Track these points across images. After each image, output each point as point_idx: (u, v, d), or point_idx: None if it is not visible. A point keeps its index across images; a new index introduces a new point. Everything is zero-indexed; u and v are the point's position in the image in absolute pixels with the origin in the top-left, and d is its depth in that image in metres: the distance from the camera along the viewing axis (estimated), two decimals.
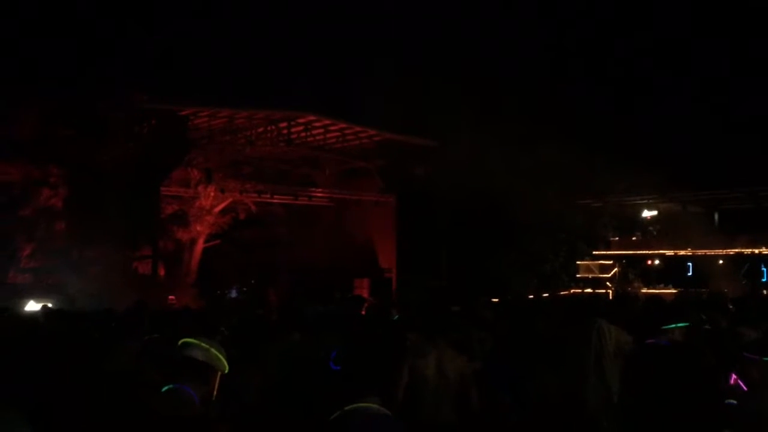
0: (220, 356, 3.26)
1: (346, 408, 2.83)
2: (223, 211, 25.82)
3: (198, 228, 25.25)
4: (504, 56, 28.94)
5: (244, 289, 26.39)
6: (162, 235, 23.35)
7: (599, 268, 27.79)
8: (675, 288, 24.60)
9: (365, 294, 24.60)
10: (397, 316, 6.86)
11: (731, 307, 7.75)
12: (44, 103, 20.63)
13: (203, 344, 3.22)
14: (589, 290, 25.20)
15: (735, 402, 3.74)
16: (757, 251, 25.16)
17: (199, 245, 25.65)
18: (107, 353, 4.65)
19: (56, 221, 21.36)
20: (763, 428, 3.47)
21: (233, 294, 25.31)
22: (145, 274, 22.18)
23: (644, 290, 24.07)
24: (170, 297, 20.99)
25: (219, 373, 3.26)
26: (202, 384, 3.18)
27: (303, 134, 24.16)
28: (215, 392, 3.24)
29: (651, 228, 28.90)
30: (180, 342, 3.24)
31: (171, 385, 3.14)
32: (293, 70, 29.85)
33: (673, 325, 4.29)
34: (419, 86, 25.25)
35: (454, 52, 28.93)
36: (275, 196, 25.91)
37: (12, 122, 20.61)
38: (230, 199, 25.39)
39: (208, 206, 24.98)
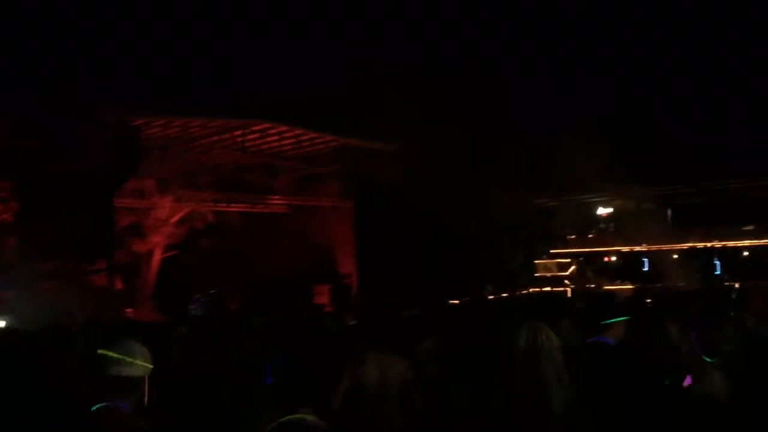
0: (142, 361, 3.19)
1: (280, 420, 2.82)
2: (180, 222, 25.55)
3: (155, 239, 24.97)
4: (459, 53, 29.07)
5: (202, 299, 26.13)
6: (118, 247, 23.05)
7: (557, 266, 28.11)
8: (632, 283, 25.00)
9: (325, 300, 24.68)
10: (352, 323, 6.87)
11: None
12: (11, 119, 20.28)
13: (123, 357, 3.13)
14: (547, 289, 25.49)
15: None
16: (709, 245, 25.66)
17: (157, 256, 25.37)
18: (41, 371, 4.58)
19: (8, 236, 20.97)
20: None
21: (193, 305, 25.03)
22: (102, 287, 21.86)
23: (607, 287, 24.41)
24: (128, 309, 20.72)
25: (147, 376, 3.22)
26: (132, 395, 3.13)
27: (258, 141, 24.07)
28: (146, 396, 3.19)
29: (606, 225, 29.31)
30: (99, 356, 3.15)
31: (102, 404, 3.08)
32: (243, 74, 29.58)
33: (613, 320, 4.36)
34: (374, 88, 25.25)
35: (409, 51, 28.98)
36: (232, 205, 25.75)
37: None
38: (187, 209, 25.16)
39: (164, 217, 24.72)
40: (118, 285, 22.84)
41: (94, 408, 3.04)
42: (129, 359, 3.12)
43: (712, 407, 3.80)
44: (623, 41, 31.79)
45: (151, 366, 3.22)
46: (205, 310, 23.82)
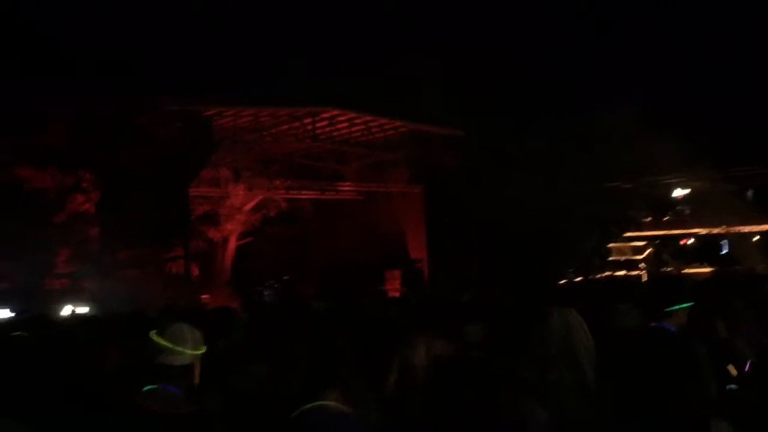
0: (192, 349, 3.24)
1: (306, 407, 2.86)
2: (253, 209, 26.02)
3: (229, 227, 25.49)
4: (528, 41, 28.73)
5: (276, 285, 26.58)
6: (193, 234, 23.62)
7: (632, 249, 27.54)
8: (710, 267, 24.31)
9: (397, 285, 24.81)
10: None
11: None
12: (75, 111, 21.00)
13: (173, 346, 3.19)
14: (622, 273, 25.02)
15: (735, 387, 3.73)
16: None
17: (232, 243, 25.90)
18: (95, 357, 4.74)
19: (90, 226, 21.75)
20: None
21: (266, 291, 25.51)
22: (179, 275, 22.46)
23: (691, 270, 23.82)
24: (204, 296, 21.24)
25: (199, 362, 3.27)
26: (182, 380, 3.20)
27: (328, 129, 24.25)
28: (197, 381, 3.26)
29: (683, 207, 28.54)
30: (149, 342, 3.22)
31: (152, 386, 3.15)
32: (314, 63, 29.86)
33: (677, 307, 4.25)
34: (445, 75, 25.16)
35: (481, 39, 28.79)
36: (304, 192, 26.08)
37: (43, 131, 21.01)
38: (260, 197, 25.60)
39: (238, 205, 25.20)
40: (195, 272, 23.40)
41: (145, 389, 3.13)
42: (179, 348, 3.18)
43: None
44: (700, 19, 30.84)
45: (201, 352, 3.26)
46: (276, 295, 24.29)
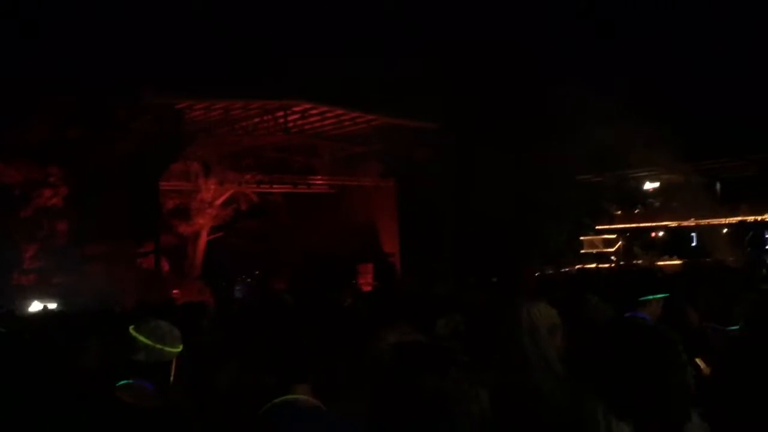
0: (171, 347, 3.20)
1: (274, 401, 2.82)
2: (224, 203, 25.85)
3: (200, 221, 25.31)
4: (501, 31, 28.78)
5: (248, 280, 26.45)
6: (164, 229, 23.41)
7: (603, 242, 27.78)
8: (680, 259, 24.57)
9: (369, 279, 24.78)
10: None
11: None
12: (60, 107, 20.68)
13: (153, 344, 3.15)
14: (593, 265, 25.20)
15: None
16: (760, 218, 25.08)
17: (203, 238, 25.71)
18: (64, 353, 4.66)
19: (58, 221, 21.46)
20: (735, 400, 3.46)
21: (237, 286, 25.37)
22: (149, 270, 22.25)
23: (661, 262, 24.04)
24: (174, 291, 21.05)
25: (174, 358, 3.23)
26: (158, 376, 3.16)
27: (300, 122, 24.13)
28: (172, 377, 3.22)
29: (653, 200, 28.83)
30: (129, 338, 3.17)
31: (126, 381, 3.13)
32: (285, 55, 29.71)
33: (651, 297, 4.25)
34: (416, 68, 25.12)
35: (451, 32, 28.81)
36: (275, 186, 25.94)
37: (17, 126, 20.66)
38: (231, 191, 25.44)
39: (209, 199, 25.02)
40: (165, 267, 23.20)
41: (119, 384, 3.09)
42: (159, 346, 3.15)
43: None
44: (670, 11, 31.10)
45: (179, 349, 3.23)
46: (248, 290, 24.16)
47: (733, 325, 4.35)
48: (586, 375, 3.19)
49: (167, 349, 3.18)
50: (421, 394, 2.85)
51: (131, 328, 3.20)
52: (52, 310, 11.20)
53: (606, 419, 3.04)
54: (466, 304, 5.62)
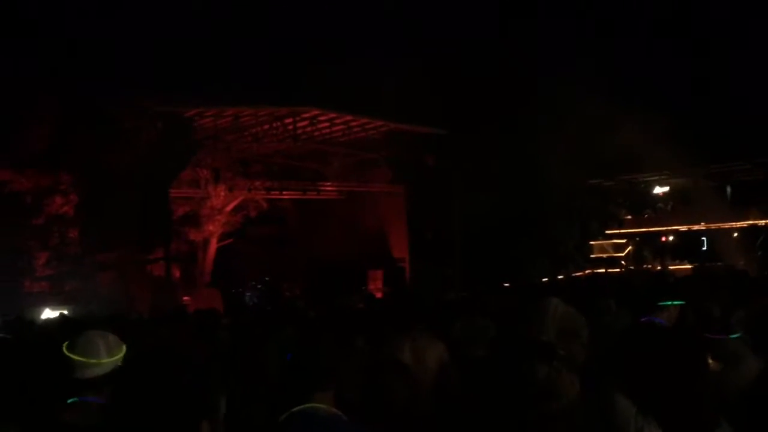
0: (109, 358, 3.10)
1: (294, 410, 2.80)
2: (234, 210, 25.92)
3: (210, 228, 25.37)
4: (506, 40, 28.77)
5: (259, 286, 26.50)
6: (174, 236, 23.48)
7: (613, 247, 27.71)
8: (690, 263, 24.50)
9: (379, 284, 24.80)
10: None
11: None
12: (57, 113, 20.76)
13: (87, 359, 3.05)
14: (602, 270, 25.15)
15: None
16: None
17: (213, 245, 25.78)
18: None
19: (69, 228, 21.53)
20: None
21: (248, 293, 25.44)
22: (160, 277, 22.31)
23: (671, 267, 23.98)
24: (185, 298, 21.11)
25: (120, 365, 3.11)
26: (103, 389, 3.01)
27: (309, 129, 24.17)
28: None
29: (663, 204, 28.75)
30: (63, 357, 3.05)
31: (75, 398, 3.03)
32: (294, 62, 29.80)
33: (670, 303, 4.26)
34: (426, 74, 25.15)
35: (458, 39, 28.81)
36: (285, 192, 25.99)
37: (24, 133, 20.74)
38: (241, 198, 25.50)
39: (219, 206, 25.09)
40: (176, 273, 23.26)
41: (69, 401, 3.00)
42: (93, 361, 3.04)
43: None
44: (680, 17, 31.04)
45: (119, 356, 3.12)
46: (259, 296, 24.20)
47: (734, 333, 4.35)
48: (613, 379, 3.20)
49: (104, 361, 3.08)
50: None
51: (64, 347, 3.10)
52: (66, 317, 11.22)
53: (636, 422, 3.05)
54: (488, 308, 5.63)
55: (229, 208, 25.52)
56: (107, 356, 3.11)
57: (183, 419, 2.38)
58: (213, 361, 4.41)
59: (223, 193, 24.79)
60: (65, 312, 16.78)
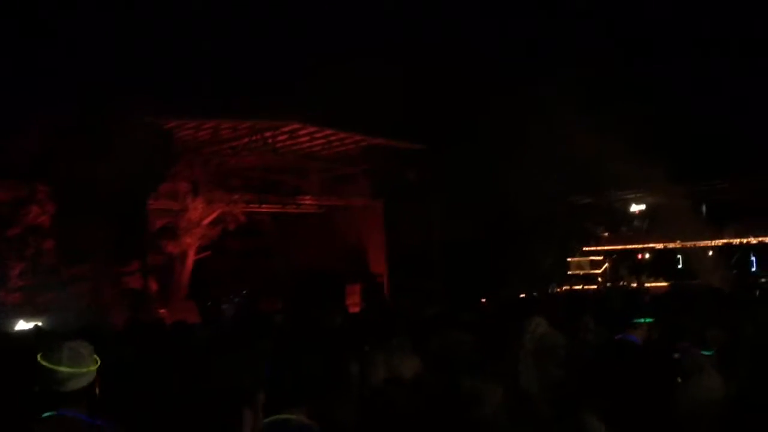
0: (92, 366, 3.01)
1: (266, 420, 2.80)
2: (212, 223, 25.77)
3: (188, 240, 25.20)
4: (487, 54, 29.01)
5: (236, 300, 26.35)
6: (152, 249, 23.31)
7: (590, 264, 27.91)
8: (666, 281, 24.72)
9: (357, 299, 24.76)
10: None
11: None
12: (36, 123, 20.59)
13: (76, 370, 2.94)
14: (578, 287, 25.30)
15: None
16: (745, 241, 25.28)
17: (190, 257, 25.61)
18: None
19: (45, 239, 21.31)
20: (696, 416, 3.52)
21: (224, 306, 25.28)
22: (136, 289, 22.13)
23: (648, 284, 24.18)
24: (161, 310, 20.96)
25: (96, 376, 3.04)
26: (83, 402, 2.96)
27: (288, 143, 24.18)
28: (96, 392, 3.02)
29: (639, 222, 29.02)
30: (45, 370, 2.91)
31: (51, 412, 2.90)
32: (273, 76, 29.86)
33: (643, 320, 4.34)
34: (405, 89, 25.28)
35: (434, 52, 29.01)
36: (263, 206, 25.93)
37: (10, 147, 20.56)
38: (219, 211, 25.37)
39: (197, 218, 24.94)
40: (153, 286, 23.08)
41: (43, 416, 2.88)
42: (83, 370, 2.95)
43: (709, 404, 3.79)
44: (657, 34, 31.45)
45: (97, 366, 3.03)
46: (236, 309, 24.07)
47: (707, 350, 4.42)
48: (587, 395, 3.24)
49: (90, 369, 3.00)
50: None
51: (42, 359, 2.96)
52: (41, 328, 11.10)
53: None
54: (465, 323, 5.65)
55: (207, 221, 25.39)
56: (92, 365, 3.02)
57: (229, 406, 2.47)
58: (249, 354, 4.38)
59: (201, 206, 24.65)
60: (39, 323, 16.63)
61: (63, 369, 2.90)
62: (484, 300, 14.26)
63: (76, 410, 2.90)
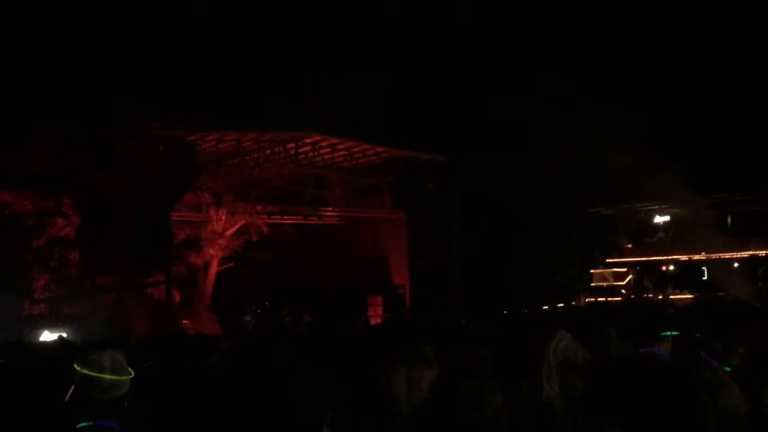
0: (130, 375, 2.99)
1: None
2: (235, 234, 25.93)
3: (211, 252, 25.36)
4: (506, 67, 29.00)
5: (258, 311, 26.43)
6: (175, 260, 23.44)
7: (614, 275, 27.69)
8: (691, 293, 24.47)
9: (379, 310, 24.76)
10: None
11: None
12: (58, 135, 20.83)
13: (120, 378, 2.92)
14: (602, 299, 25.11)
15: None
16: None
17: (213, 269, 25.76)
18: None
19: (70, 250, 21.51)
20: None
21: (247, 317, 25.36)
22: (160, 300, 22.25)
23: (672, 296, 23.97)
24: (184, 321, 21.06)
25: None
26: (119, 413, 2.93)
27: (311, 154, 24.26)
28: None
29: (663, 234, 28.77)
30: (89, 378, 2.87)
31: (88, 423, 2.85)
32: (296, 88, 30.04)
33: (669, 333, 4.27)
34: (426, 101, 25.31)
35: (454, 65, 29.06)
36: (286, 217, 26.02)
37: (25, 155, 20.81)
38: (242, 222, 25.52)
39: (219, 230, 25.10)
40: (176, 297, 23.20)
41: (78, 426, 2.83)
42: (124, 378, 2.93)
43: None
44: (680, 48, 31.27)
45: (131, 376, 2.99)
46: (258, 321, 24.12)
47: (727, 365, 4.36)
48: (610, 409, 3.21)
49: (128, 378, 2.97)
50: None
51: (83, 367, 2.92)
52: (65, 339, 11.16)
53: None
54: (485, 336, 5.62)
55: (229, 232, 25.53)
56: (129, 373, 2.99)
57: (311, 422, 2.51)
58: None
59: (224, 217, 24.82)
60: (64, 334, 16.76)
61: (106, 377, 2.87)
62: (505, 312, 14.21)
63: (111, 420, 2.87)
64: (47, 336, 17.14)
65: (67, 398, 2.95)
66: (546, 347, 2.77)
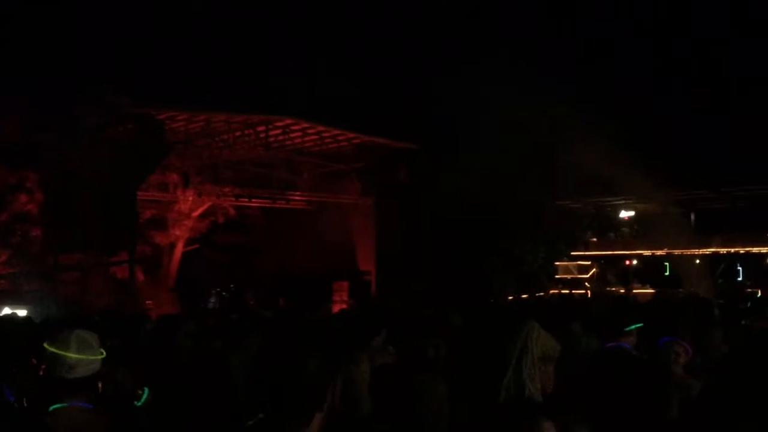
0: (99, 354, 2.92)
1: (249, 423, 2.74)
2: (202, 215, 25.72)
3: (177, 232, 25.15)
4: (479, 55, 29.02)
5: (223, 293, 26.27)
6: (140, 239, 23.20)
7: (578, 268, 27.98)
8: (652, 288, 24.81)
9: (344, 296, 24.73)
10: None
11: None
12: (26, 110, 20.42)
13: (85, 357, 2.84)
14: (566, 291, 25.34)
15: None
16: (732, 251, 25.40)
17: (178, 250, 25.55)
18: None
19: (32, 227, 21.16)
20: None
21: (211, 299, 25.19)
22: (123, 280, 22.03)
23: (635, 290, 24.27)
24: (148, 302, 20.86)
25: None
26: (92, 392, 2.87)
27: (281, 138, 24.14)
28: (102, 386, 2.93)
29: (628, 229, 29.13)
30: (53, 356, 2.82)
31: (59, 404, 2.81)
32: (269, 70, 29.83)
33: (633, 327, 4.33)
34: (399, 87, 25.27)
35: (428, 52, 29.04)
36: (254, 200, 25.87)
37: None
38: (209, 203, 25.32)
39: (186, 210, 24.88)
40: (140, 277, 22.99)
41: (51, 408, 2.78)
42: (90, 358, 2.85)
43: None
44: (649, 44, 31.55)
45: (102, 353, 2.92)
46: (222, 303, 23.99)
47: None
48: (577, 404, 3.23)
49: (96, 358, 2.90)
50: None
51: (49, 345, 2.85)
52: (19, 316, 10.99)
53: None
54: (449, 326, 5.64)
55: (196, 213, 25.33)
56: (99, 353, 2.92)
57: (304, 409, 2.56)
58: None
59: (191, 198, 24.60)
60: (23, 312, 16.52)
61: (71, 355, 2.82)
62: (472, 301, 14.29)
63: (82, 400, 2.83)
64: (6, 312, 16.89)
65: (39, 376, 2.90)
66: (528, 340, 2.77)
